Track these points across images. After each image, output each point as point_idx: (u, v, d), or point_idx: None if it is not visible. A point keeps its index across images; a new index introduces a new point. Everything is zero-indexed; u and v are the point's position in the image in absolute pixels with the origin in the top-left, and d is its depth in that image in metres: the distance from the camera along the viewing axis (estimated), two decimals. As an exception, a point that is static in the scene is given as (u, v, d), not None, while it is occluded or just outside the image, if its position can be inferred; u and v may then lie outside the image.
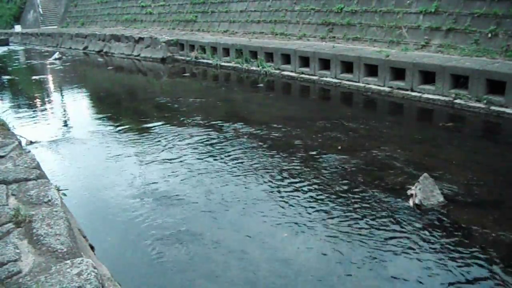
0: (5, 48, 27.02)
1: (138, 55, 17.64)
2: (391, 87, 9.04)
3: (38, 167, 3.71)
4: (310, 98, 10.01)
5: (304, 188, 5.05)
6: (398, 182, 5.06)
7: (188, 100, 9.99)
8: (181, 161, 6.08)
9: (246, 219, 4.51)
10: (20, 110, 10.34)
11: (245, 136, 6.97)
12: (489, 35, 8.72)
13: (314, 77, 10.73)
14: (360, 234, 4.09)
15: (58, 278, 2.15)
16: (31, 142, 7.14)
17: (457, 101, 7.88)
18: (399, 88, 8.88)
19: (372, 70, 9.51)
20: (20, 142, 4.55)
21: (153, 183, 5.42)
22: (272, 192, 5.01)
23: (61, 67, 17.40)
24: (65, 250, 2.45)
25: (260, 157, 6.07)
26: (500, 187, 4.91)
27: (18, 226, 2.68)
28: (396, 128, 7.25)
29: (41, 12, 33.04)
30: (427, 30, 9.85)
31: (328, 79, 10.40)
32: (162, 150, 6.56)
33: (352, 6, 11.73)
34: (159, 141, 7.02)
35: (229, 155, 6.21)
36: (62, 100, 11.55)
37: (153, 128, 7.75)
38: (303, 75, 11.06)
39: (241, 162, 5.92)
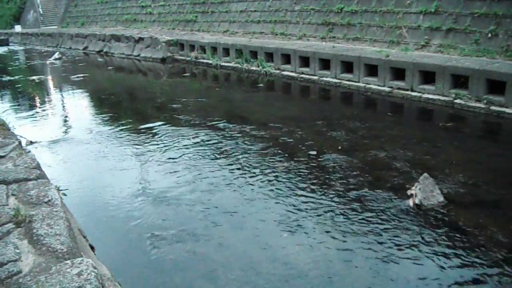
0: (5, 48, 27.04)
1: (138, 55, 17.64)
2: (391, 87, 9.04)
3: (38, 167, 3.71)
4: (310, 98, 10.02)
5: (303, 188, 5.05)
6: (398, 182, 5.06)
7: (188, 100, 9.99)
8: (181, 161, 6.08)
9: (245, 218, 4.51)
10: (20, 110, 10.34)
11: (245, 136, 6.97)
12: (489, 35, 8.72)
13: (314, 77, 10.73)
14: (360, 234, 4.09)
15: (58, 278, 2.15)
16: (31, 142, 7.14)
17: (457, 101, 7.88)
18: (399, 88, 8.88)
19: (372, 70, 9.50)
20: (20, 142, 4.55)
21: (153, 183, 5.42)
22: (271, 192, 5.01)
23: (61, 67, 17.41)
24: (65, 250, 2.45)
25: (260, 157, 6.07)
26: (500, 187, 4.90)
27: (18, 226, 2.68)
28: (396, 128, 7.24)
29: (41, 12, 33.04)
30: (427, 30, 9.85)
31: (328, 79, 10.40)
32: (162, 150, 6.56)
33: (352, 6, 11.73)
34: (159, 141, 7.02)
35: (229, 156, 6.21)
36: (62, 100, 11.55)
37: (153, 128, 7.76)
38: (303, 75, 11.06)
39: (241, 162, 5.92)
